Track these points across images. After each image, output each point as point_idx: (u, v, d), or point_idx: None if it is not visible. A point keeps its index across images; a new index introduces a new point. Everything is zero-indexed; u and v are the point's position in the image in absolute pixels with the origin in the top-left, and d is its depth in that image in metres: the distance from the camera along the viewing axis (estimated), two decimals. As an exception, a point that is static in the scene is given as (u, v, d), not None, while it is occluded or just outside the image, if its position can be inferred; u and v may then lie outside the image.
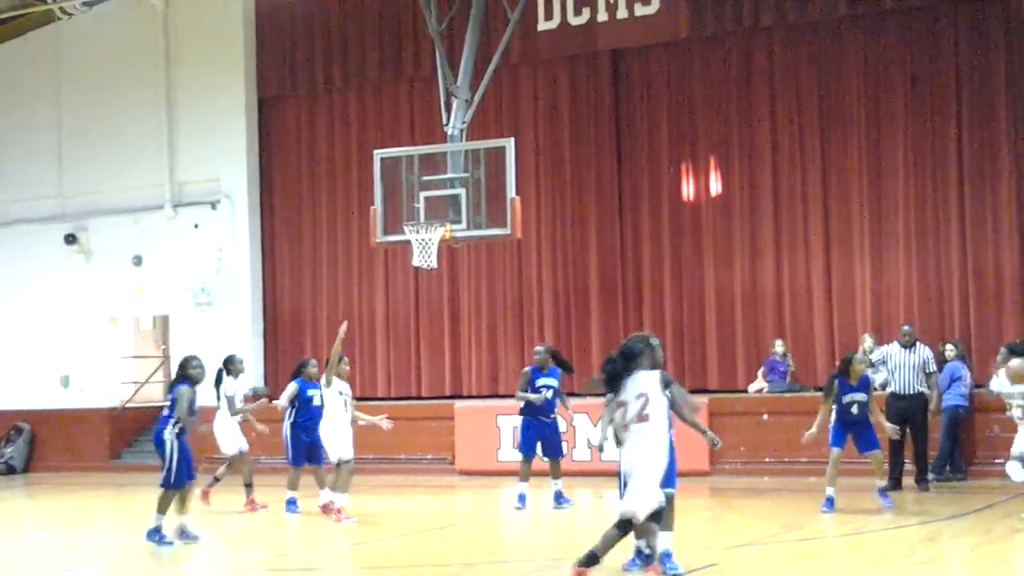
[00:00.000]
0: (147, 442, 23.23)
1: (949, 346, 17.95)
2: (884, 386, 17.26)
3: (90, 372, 25.68)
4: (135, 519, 13.62)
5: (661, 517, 9.91)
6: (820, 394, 15.33)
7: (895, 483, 16.36)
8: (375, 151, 18.78)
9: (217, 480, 17.04)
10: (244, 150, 24.49)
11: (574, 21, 21.67)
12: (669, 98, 21.55)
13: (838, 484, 14.78)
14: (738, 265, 20.94)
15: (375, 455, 20.51)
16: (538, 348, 16.52)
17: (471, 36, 18.67)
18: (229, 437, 17.01)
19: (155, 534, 13.50)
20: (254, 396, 18.76)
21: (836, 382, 14.87)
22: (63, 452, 25.21)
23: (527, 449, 16.18)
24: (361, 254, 23.69)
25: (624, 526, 9.75)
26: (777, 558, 11.49)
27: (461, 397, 22.37)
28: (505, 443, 20.10)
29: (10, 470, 25.29)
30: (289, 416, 16.10)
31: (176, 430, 13.47)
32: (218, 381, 16.98)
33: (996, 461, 16.41)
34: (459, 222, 17.50)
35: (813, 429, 14.88)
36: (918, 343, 17.29)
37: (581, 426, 19.98)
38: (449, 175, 17.67)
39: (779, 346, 20.08)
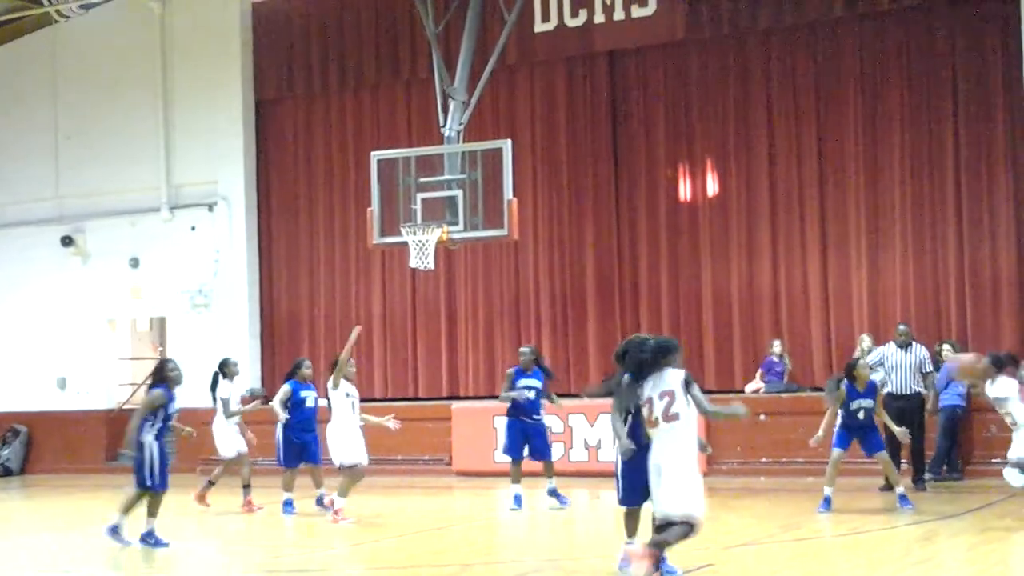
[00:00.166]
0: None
1: (946, 346, 17.98)
2: (881, 386, 17.26)
3: (87, 374, 25.67)
4: (132, 521, 13.61)
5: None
6: (818, 394, 15.32)
7: (889, 483, 16.33)
8: (372, 153, 18.80)
9: (212, 484, 17.03)
10: (241, 152, 24.50)
11: (571, 23, 21.68)
12: (666, 99, 21.57)
13: (836, 484, 14.79)
14: (735, 266, 20.96)
15: (372, 456, 20.40)
16: (523, 349, 16.42)
17: (468, 38, 18.70)
18: (226, 440, 17.03)
19: (115, 532, 13.48)
20: (251, 397, 18.79)
21: (844, 388, 14.87)
22: (60, 454, 25.20)
23: (512, 451, 16.10)
24: (358, 256, 23.69)
25: (692, 526, 9.62)
26: (774, 558, 11.50)
27: (458, 398, 22.38)
28: (502, 444, 20.07)
29: (7, 472, 25.28)
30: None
31: (155, 433, 13.43)
32: (214, 384, 17.03)
33: (993, 461, 16.44)
34: (456, 223, 17.52)
35: (820, 433, 14.88)
36: (914, 343, 17.32)
37: (578, 427, 20.02)
38: (446, 177, 17.69)
39: (776, 346, 20.10)
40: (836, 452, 14.90)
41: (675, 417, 9.72)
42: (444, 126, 18.32)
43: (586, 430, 19.97)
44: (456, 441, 21.03)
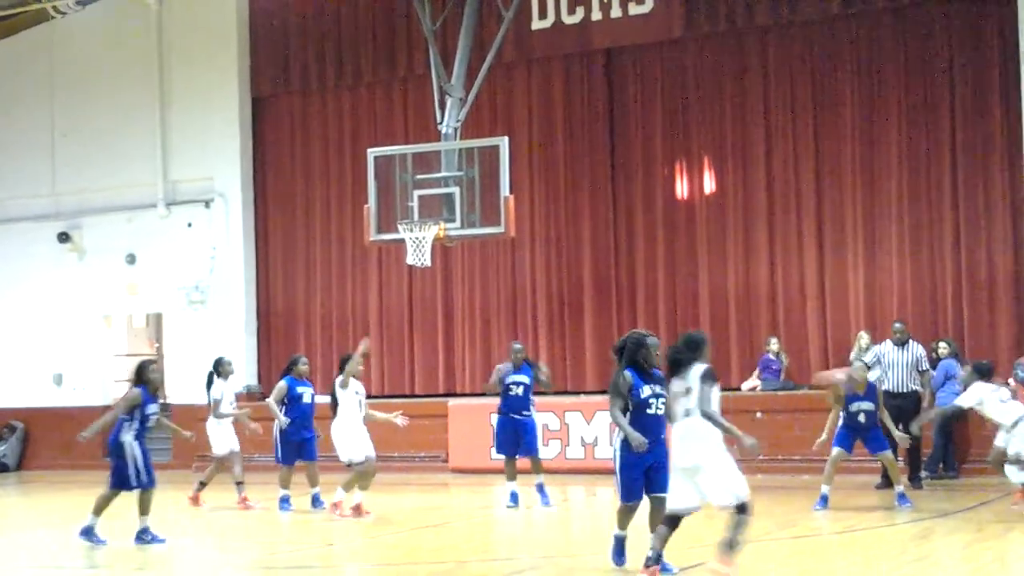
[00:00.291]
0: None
1: (943, 344, 17.99)
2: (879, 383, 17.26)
3: (83, 370, 25.66)
4: (128, 518, 13.60)
5: (678, 522, 9.91)
6: (814, 392, 15.33)
7: (885, 482, 16.36)
8: (369, 149, 18.80)
9: (204, 484, 17.03)
10: (238, 149, 24.47)
11: (568, 20, 21.66)
12: (663, 97, 21.57)
13: (833, 483, 14.81)
14: (732, 264, 20.96)
15: (369, 453, 20.50)
16: (516, 347, 16.43)
17: (465, 35, 18.70)
18: (220, 438, 17.01)
19: (89, 533, 13.47)
20: (246, 395, 18.78)
21: (843, 389, 14.93)
22: (56, 450, 25.15)
23: (504, 449, 16.14)
24: (355, 252, 23.68)
25: (744, 508, 9.67)
26: (771, 556, 11.50)
27: (454, 395, 22.38)
28: (495, 443, 20.09)
29: (3, 468, 25.28)
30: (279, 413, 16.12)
31: (133, 433, 13.41)
32: (209, 383, 17.01)
33: (989, 459, 16.43)
34: (453, 220, 17.52)
35: (823, 436, 14.93)
36: (911, 341, 17.32)
37: (575, 424, 20.01)
38: (443, 174, 17.68)
39: (773, 344, 20.10)
40: (836, 451, 14.92)
41: (689, 413, 9.77)
42: (441, 123, 18.31)
43: (583, 427, 19.97)
44: (452, 438, 21.03)
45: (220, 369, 17.07)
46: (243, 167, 24.50)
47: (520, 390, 16.00)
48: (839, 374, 15.03)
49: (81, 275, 25.77)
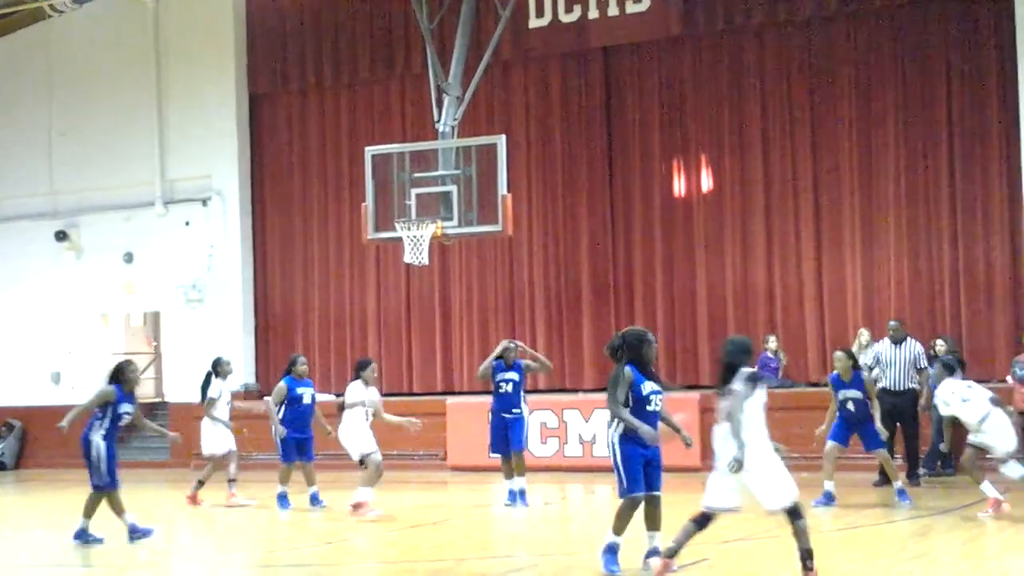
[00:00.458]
0: (139, 439, 23.38)
1: (939, 342, 17.99)
2: (875, 382, 17.26)
3: (81, 369, 25.63)
4: (102, 521, 13.60)
5: (709, 521, 9.90)
6: (813, 390, 15.37)
7: (883, 479, 16.37)
8: (366, 148, 18.78)
9: (202, 483, 17.03)
10: (235, 147, 24.47)
11: (565, 18, 21.67)
12: (660, 95, 21.58)
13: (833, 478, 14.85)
14: (729, 261, 20.97)
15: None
16: (509, 345, 16.42)
17: (462, 33, 18.68)
18: (216, 437, 17.03)
19: (83, 535, 13.44)
20: (245, 393, 18.79)
21: (829, 379, 15.02)
22: (54, 448, 25.04)
23: (497, 449, 16.20)
24: (352, 251, 23.68)
25: (796, 513, 9.70)
26: (770, 553, 11.51)
27: (453, 394, 22.37)
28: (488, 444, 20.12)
29: (1, 467, 25.27)
30: (279, 414, 16.11)
31: (103, 432, 13.35)
32: (206, 383, 17.02)
33: (987, 457, 16.42)
34: (450, 219, 17.51)
35: (823, 426, 14.98)
36: (908, 338, 17.31)
37: (572, 422, 20.02)
38: (440, 172, 17.68)
39: (771, 342, 20.09)
40: (830, 445, 14.96)
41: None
42: (438, 121, 18.30)
43: (581, 425, 19.97)
44: (451, 436, 21.04)
45: (219, 369, 17.10)
46: (241, 166, 24.50)
47: (510, 387, 16.06)
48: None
49: (79, 274, 25.76)
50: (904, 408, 16.87)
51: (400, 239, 17.76)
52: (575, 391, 21.39)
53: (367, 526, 14.45)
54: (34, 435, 25.66)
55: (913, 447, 16.96)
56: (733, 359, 9.95)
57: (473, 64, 18.66)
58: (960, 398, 13.85)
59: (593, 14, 21.44)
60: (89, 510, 13.50)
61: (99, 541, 13.39)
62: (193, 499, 16.94)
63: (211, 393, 16.99)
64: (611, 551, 10.49)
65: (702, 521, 9.90)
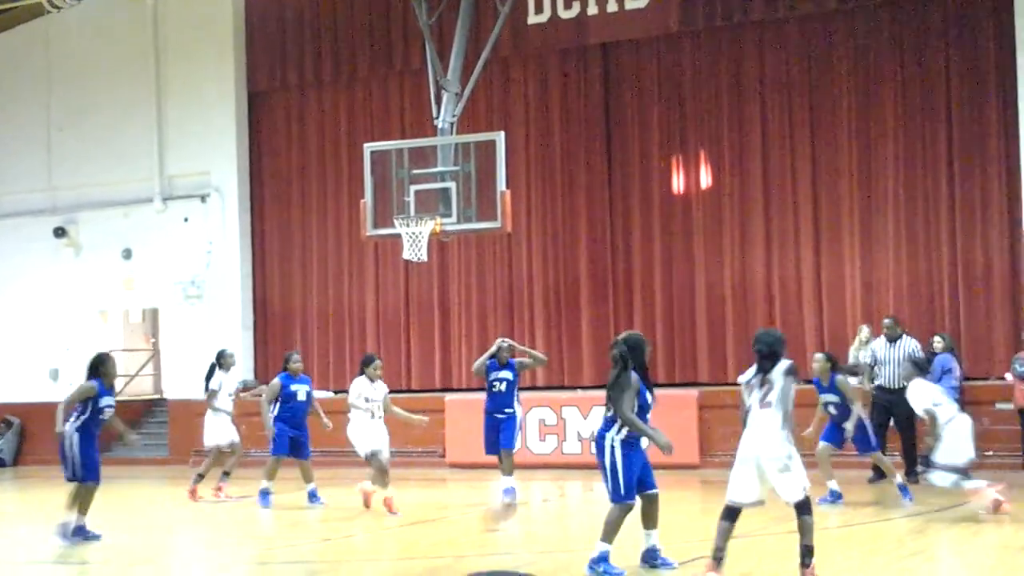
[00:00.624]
0: (140, 435, 23.30)
1: (937, 338, 17.95)
2: (872, 380, 17.25)
3: (79, 365, 25.52)
4: (123, 512, 13.60)
5: (738, 515, 9.88)
6: (811, 387, 15.36)
7: (877, 474, 16.36)
8: (365, 144, 18.74)
9: (201, 477, 17.04)
10: (234, 144, 24.47)
11: (564, 15, 21.67)
12: (659, 92, 21.57)
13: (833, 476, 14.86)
14: (728, 258, 20.97)
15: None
16: (503, 344, 16.41)
17: (461, 29, 18.66)
18: (219, 429, 17.05)
19: (80, 532, 13.42)
20: (244, 389, 18.80)
21: (813, 382, 15.09)
22: (53, 445, 24.94)
23: (493, 449, 16.23)
24: (351, 247, 23.68)
25: (805, 509, 9.73)
26: (768, 551, 11.51)
27: (451, 390, 22.37)
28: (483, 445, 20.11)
29: (0, 463, 25.28)
30: (273, 410, 16.10)
31: (78, 424, 13.32)
32: (209, 374, 17.04)
33: (986, 454, 16.47)
34: (449, 216, 17.49)
35: (810, 429, 14.99)
36: (905, 336, 17.28)
37: (571, 419, 20.01)
38: (439, 168, 17.65)
39: (770, 339, 20.04)
40: (821, 446, 15.04)
41: (768, 405, 9.83)
42: (437, 118, 18.28)
43: (579, 422, 19.97)
44: (449, 433, 21.03)
45: (222, 361, 17.16)
46: (239, 162, 24.50)
47: (503, 386, 16.09)
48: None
49: (77, 270, 25.76)
50: (900, 406, 16.83)
51: (399, 236, 17.74)
52: (574, 388, 21.39)
53: (365, 523, 14.44)
54: (32, 431, 25.66)
55: (910, 445, 16.94)
56: (775, 349, 9.97)
57: (472, 60, 18.64)
58: (932, 401, 13.82)
59: (592, 10, 21.44)
60: (84, 505, 13.46)
61: (97, 537, 13.38)
62: (193, 494, 16.92)
63: (212, 384, 17.01)
64: (605, 560, 10.35)
65: (731, 516, 9.86)
